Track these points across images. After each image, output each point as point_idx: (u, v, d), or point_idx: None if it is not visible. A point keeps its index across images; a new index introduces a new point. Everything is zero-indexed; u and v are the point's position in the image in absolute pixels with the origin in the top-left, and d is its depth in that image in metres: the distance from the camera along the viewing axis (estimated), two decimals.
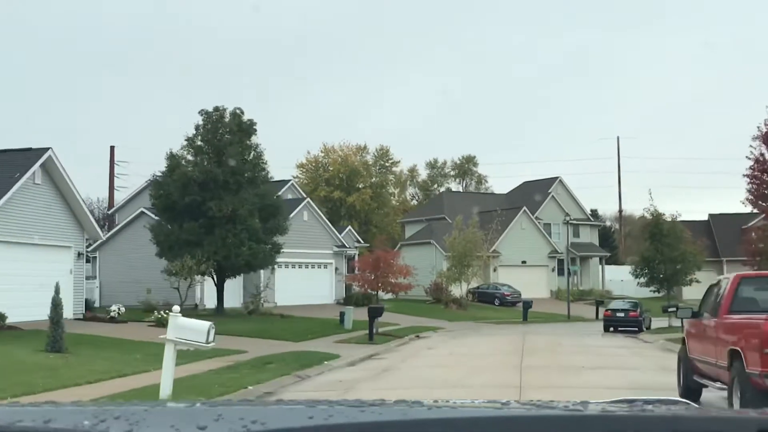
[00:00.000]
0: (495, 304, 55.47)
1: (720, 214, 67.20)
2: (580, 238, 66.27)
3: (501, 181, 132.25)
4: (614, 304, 37.97)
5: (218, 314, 35.93)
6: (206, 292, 42.66)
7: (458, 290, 52.92)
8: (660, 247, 37.40)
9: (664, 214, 38.35)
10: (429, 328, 37.81)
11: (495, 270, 60.14)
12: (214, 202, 32.92)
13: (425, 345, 28.16)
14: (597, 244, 70.14)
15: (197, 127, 35.26)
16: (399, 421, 1.36)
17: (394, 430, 1.34)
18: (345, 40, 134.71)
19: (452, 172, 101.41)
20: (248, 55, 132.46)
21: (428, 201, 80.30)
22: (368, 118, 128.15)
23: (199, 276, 34.32)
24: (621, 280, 71.40)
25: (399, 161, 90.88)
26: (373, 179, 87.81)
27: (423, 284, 56.01)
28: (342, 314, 35.39)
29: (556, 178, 67.81)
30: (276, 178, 51.22)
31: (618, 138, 76.35)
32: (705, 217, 68.48)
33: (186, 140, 35.15)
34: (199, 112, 35.10)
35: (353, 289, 49.68)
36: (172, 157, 34.62)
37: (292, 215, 46.81)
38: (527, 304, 46.57)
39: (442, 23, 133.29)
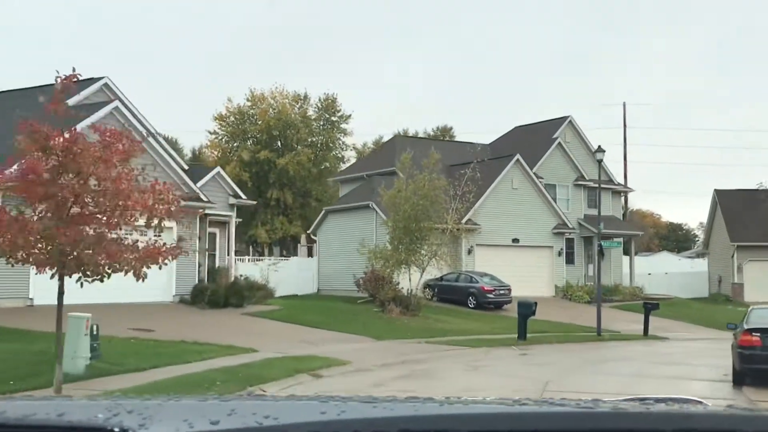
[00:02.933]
0: (469, 305, 33.93)
1: None
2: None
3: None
4: (761, 317, 15.42)
5: None
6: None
7: (407, 281, 31.28)
8: None
9: None
10: (309, 366, 16.00)
11: (470, 252, 38.41)
12: None
13: None
14: (621, 218, 48.34)
15: None
16: (411, 417, 1.35)
17: (405, 425, 1.33)
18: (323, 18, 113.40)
19: None
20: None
21: (373, 151, 58.23)
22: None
23: None
24: (648, 274, 50.36)
25: (350, 116, 68.95)
26: (314, 138, 66.85)
27: (355, 271, 34.52)
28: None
29: (566, 118, 45.18)
30: None
31: (624, 104, 54.39)
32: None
33: None
34: None
35: (207, 276, 27.90)
36: None
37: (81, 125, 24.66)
38: (527, 309, 24.97)
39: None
